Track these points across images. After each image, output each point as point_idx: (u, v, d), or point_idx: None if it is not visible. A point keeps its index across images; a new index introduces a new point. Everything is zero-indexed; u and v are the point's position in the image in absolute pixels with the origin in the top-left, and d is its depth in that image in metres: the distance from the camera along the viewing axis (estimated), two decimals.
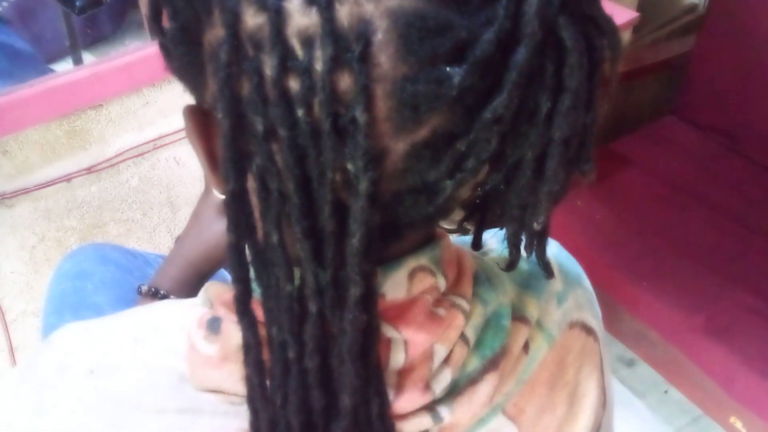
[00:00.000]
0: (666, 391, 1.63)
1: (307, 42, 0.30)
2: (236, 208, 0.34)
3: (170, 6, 0.34)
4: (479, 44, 0.30)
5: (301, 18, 0.30)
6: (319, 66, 0.30)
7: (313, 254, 0.33)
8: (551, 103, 0.33)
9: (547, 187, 0.36)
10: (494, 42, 0.30)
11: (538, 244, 0.41)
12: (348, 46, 0.30)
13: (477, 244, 0.48)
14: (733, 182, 1.63)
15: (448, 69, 0.31)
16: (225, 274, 0.88)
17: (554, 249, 0.54)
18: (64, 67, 1.49)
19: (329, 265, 0.34)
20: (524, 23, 0.31)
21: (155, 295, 0.69)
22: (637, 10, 1.79)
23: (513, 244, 0.41)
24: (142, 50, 1.13)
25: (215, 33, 0.32)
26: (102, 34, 1.64)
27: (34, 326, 1.23)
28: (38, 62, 1.52)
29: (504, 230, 0.43)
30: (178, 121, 1.23)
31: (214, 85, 0.33)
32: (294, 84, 0.30)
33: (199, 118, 0.37)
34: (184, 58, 0.35)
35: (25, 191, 1.11)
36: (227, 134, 0.32)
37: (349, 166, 0.32)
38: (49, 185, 1.13)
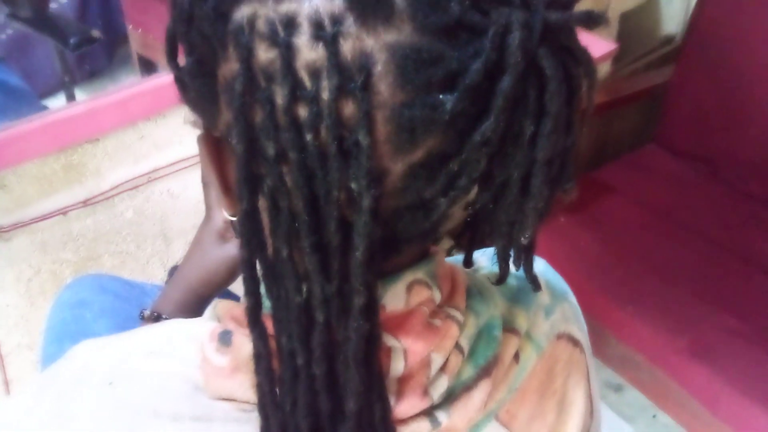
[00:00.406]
0: (654, 416, 1.65)
1: (315, 74, 0.33)
2: (249, 226, 0.37)
3: (187, 42, 0.38)
4: (469, 74, 0.34)
5: (308, 52, 0.33)
6: (325, 95, 0.33)
7: (320, 267, 0.36)
8: (534, 126, 0.37)
9: (532, 204, 0.39)
10: (482, 71, 0.34)
11: (525, 258, 0.44)
12: (351, 77, 0.33)
13: (468, 262, 0.51)
14: (713, 208, 1.68)
15: (441, 96, 0.34)
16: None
17: (541, 266, 0.57)
18: (56, 102, 1.51)
19: (335, 277, 0.37)
20: (508, 54, 0.34)
21: (157, 319, 0.72)
22: (617, 40, 1.85)
23: (502, 258, 0.44)
24: (137, 85, 1.16)
25: (230, 67, 0.35)
26: (92, 70, 1.67)
27: (30, 360, 1.24)
28: (32, 98, 1.55)
29: (493, 249, 0.46)
30: (172, 155, 1.26)
31: (229, 114, 0.36)
32: (303, 111, 0.34)
33: (212, 145, 0.40)
34: (200, 90, 0.38)
35: (22, 225, 1.12)
36: (241, 158, 0.35)
37: (353, 185, 0.35)
38: (46, 218, 1.15)
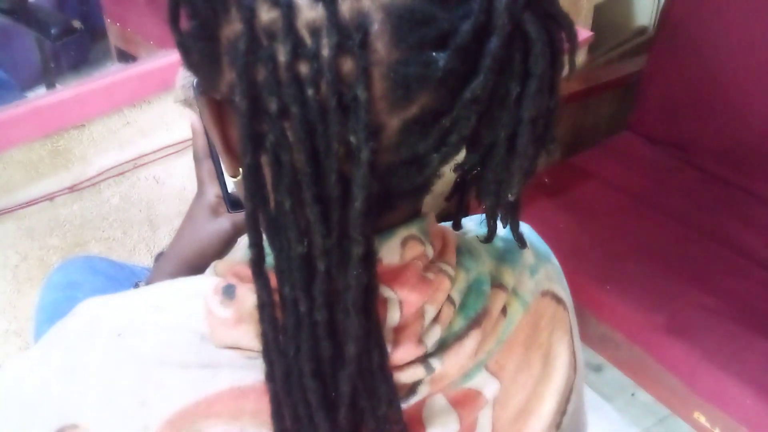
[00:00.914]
0: (633, 394, 1.70)
1: (315, 32, 0.35)
2: (252, 181, 0.39)
3: (190, 6, 0.40)
4: (459, 34, 0.36)
5: (309, 12, 0.35)
6: (325, 52, 0.35)
7: (320, 219, 0.38)
8: (520, 87, 0.39)
9: (518, 162, 0.42)
10: (471, 32, 0.36)
11: (512, 216, 0.47)
12: (349, 35, 0.35)
13: (457, 225, 0.54)
14: (686, 191, 1.72)
15: (433, 54, 0.36)
16: None
17: (526, 230, 0.60)
18: (37, 95, 1.51)
19: (334, 228, 0.39)
20: (495, 17, 0.37)
21: None
22: (591, 31, 1.89)
23: (490, 216, 0.47)
24: (122, 71, 1.17)
25: (232, 28, 0.37)
26: (71, 63, 1.67)
27: (17, 345, 1.25)
28: (14, 90, 1.54)
29: (480, 216, 0.49)
30: (157, 141, 1.27)
31: (231, 74, 0.38)
32: (304, 68, 0.36)
33: (214, 107, 0.42)
34: (202, 52, 0.40)
35: (8, 210, 1.13)
36: (244, 114, 0.37)
37: (352, 139, 0.37)
38: (32, 204, 1.15)
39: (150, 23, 1.59)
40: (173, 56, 1.04)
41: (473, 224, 0.59)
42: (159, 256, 1.39)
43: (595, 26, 1.95)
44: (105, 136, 1.20)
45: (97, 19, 1.68)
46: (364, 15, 0.35)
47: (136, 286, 0.74)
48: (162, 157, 1.28)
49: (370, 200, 0.38)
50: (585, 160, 1.82)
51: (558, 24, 0.40)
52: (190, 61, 0.42)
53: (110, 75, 1.15)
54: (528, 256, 0.55)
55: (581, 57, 1.89)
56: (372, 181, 0.38)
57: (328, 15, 0.35)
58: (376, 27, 0.35)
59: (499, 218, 0.47)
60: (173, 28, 0.42)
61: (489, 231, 0.49)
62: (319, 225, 0.39)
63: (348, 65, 0.36)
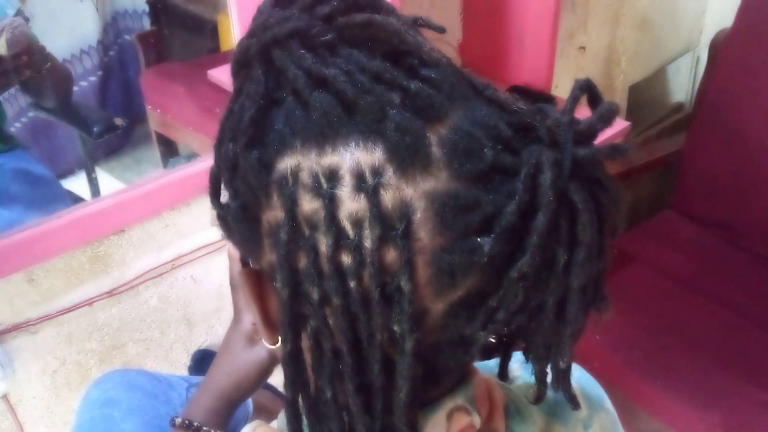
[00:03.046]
0: None
1: (357, 223, 0.34)
2: (292, 367, 0.37)
3: (231, 188, 0.39)
4: (503, 216, 0.35)
5: (351, 203, 0.34)
6: (368, 243, 0.34)
7: (363, 408, 0.37)
8: (567, 255, 0.38)
9: (569, 331, 0.40)
10: (516, 213, 0.35)
11: (563, 379, 0.44)
12: (392, 226, 0.34)
13: (504, 375, 0.51)
14: (734, 274, 1.66)
15: (478, 239, 0.35)
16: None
17: (576, 374, 0.57)
18: (77, 182, 1.52)
19: (378, 417, 0.37)
20: (540, 194, 0.35)
21: (189, 427, 0.71)
22: (627, 111, 1.88)
23: (540, 380, 0.44)
24: (163, 177, 1.19)
25: (274, 214, 0.37)
26: (112, 148, 1.70)
27: None
28: (56, 186, 1.57)
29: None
30: (195, 241, 1.28)
31: (273, 257, 0.37)
32: (346, 259, 0.35)
33: (255, 281, 0.41)
34: (243, 232, 0.39)
35: (49, 317, 1.13)
36: (286, 302, 0.36)
37: (396, 328, 0.35)
38: (72, 310, 1.16)
39: (188, 110, 1.63)
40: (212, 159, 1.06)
41: (520, 367, 0.56)
42: (196, 355, 1.37)
43: (631, 106, 1.94)
44: (144, 240, 1.20)
45: (137, 106, 1.73)
46: (406, 204, 0.34)
47: (173, 423, 0.72)
48: (199, 257, 1.29)
49: (415, 388, 0.36)
50: (626, 241, 1.78)
51: (604, 188, 0.38)
52: (230, 236, 0.42)
53: (151, 181, 1.17)
54: (581, 407, 0.52)
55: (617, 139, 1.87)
56: (417, 369, 0.36)
57: (370, 207, 0.34)
58: (419, 215, 0.34)
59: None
60: (213, 203, 0.42)
61: (538, 394, 0.46)
62: (361, 415, 0.37)
63: (391, 255, 0.34)
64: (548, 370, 0.45)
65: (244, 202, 0.39)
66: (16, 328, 1.10)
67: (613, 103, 0.40)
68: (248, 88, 0.38)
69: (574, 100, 0.40)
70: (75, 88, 1.64)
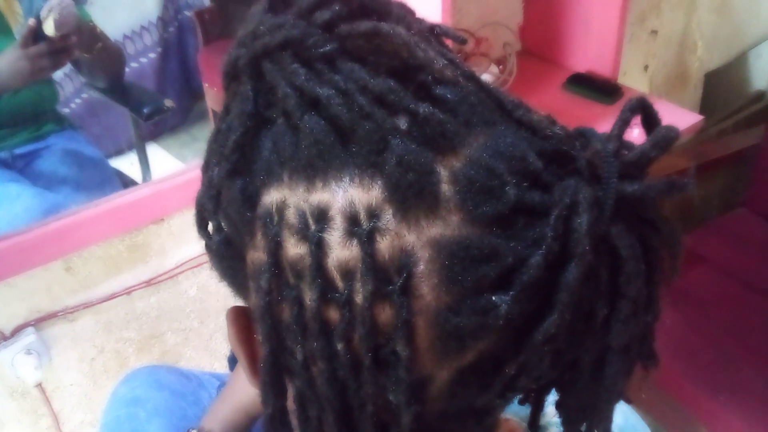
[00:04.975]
0: None
1: (348, 275, 0.29)
2: (275, 431, 0.32)
3: (215, 222, 0.34)
4: (526, 268, 0.29)
5: (341, 251, 0.29)
6: (359, 299, 0.29)
7: None
8: (608, 309, 0.31)
9: (607, 396, 0.33)
10: (542, 265, 0.29)
11: None
12: (389, 279, 0.28)
13: (535, 426, 0.45)
14: None
15: (494, 298, 0.29)
16: None
17: (619, 421, 0.50)
18: (129, 162, 1.52)
19: None
20: (574, 241, 0.29)
21: None
22: (702, 101, 1.75)
23: None
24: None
25: (258, 255, 0.31)
26: (169, 125, 1.70)
27: None
28: (106, 168, 1.57)
29: None
30: None
31: (255, 306, 0.32)
32: (334, 315, 0.29)
33: (243, 322, 0.37)
34: (228, 269, 0.34)
35: (87, 305, 1.13)
36: (267, 360, 0.31)
37: (391, 398, 0.30)
38: (110, 299, 1.14)
39: None
40: None
41: (554, 413, 0.50)
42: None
43: (706, 95, 1.81)
44: (183, 230, 1.18)
45: (195, 84, 1.72)
46: (407, 253, 0.28)
47: None
48: None
49: None
50: (694, 241, 1.66)
51: (655, 229, 0.32)
52: (216, 269, 0.37)
53: (189, 170, 1.14)
54: None
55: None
56: None
57: (363, 255, 0.28)
58: (421, 267, 0.28)
59: None
60: (200, 233, 0.37)
61: None
62: None
63: (386, 314, 0.29)
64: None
65: (227, 236, 0.33)
66: (54, 315, 1.09)
67: (673, 128, 0.32)
68: (236, 105, 0.32)
69: (623, 123, 0.33)
70: (134, 65, 1.64)
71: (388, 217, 0.28)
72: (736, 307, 1.49)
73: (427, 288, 0.28)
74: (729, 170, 1.80)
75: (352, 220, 0.28)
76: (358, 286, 0.28)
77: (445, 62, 0.31)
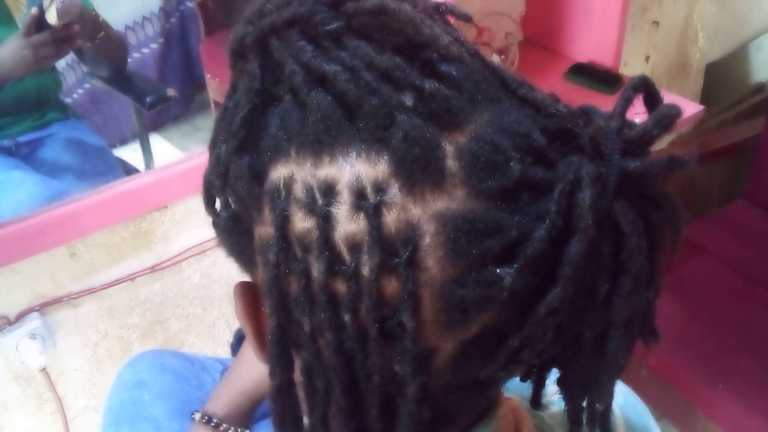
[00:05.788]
0: None
1: (355, 248, 0.29)
2: (282, 403, 0.33)
3: (222, 198, 0.35)
4: (530, 242, 0.29)
5: (348, 224, 0.29)
6: (366, 271, 0.29)
7: None
8: (610, 284, 0.32)
9: (608, 371, 0.34)
10: (546, 239, 0.29)
11: (601, 422, 0.38)
12: (395, 252, 0.29)
13: (537, 403, 0.46)
14: None
15: (498, 271, 0.29)
16: None
17: (619, 399, 0.51)
18: (131, 151, 1.52)
19: None
20: (577, 216, 0.29)
21: (209, 422, 0.69)
22: (703, 92, 1.75)
23: (573, 420, 0.39)
24: (206, 153, 1.16)
25: (265, 229, 0.32)
26: (171, 116, 1.70)
27: (95, 422, 1.24)
28: (109, 156, 1.58)
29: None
30: None
31: (263, 280, 0.32)
32: (341, 287, 0.30)
33: (249, 297, 0.37)
34: (235, 245, 0.35)
35: (91, 291, 1.13)
36: (274, 332, 0.32)
37: (397, 368, 0.30)
38: (114, 285, 1.15)
39: None
40: None
41: (556, 390, 0.50)
42: (239, 332, 1.36)
43: (707, 86, 1.81)
44: (187, 216, 1.18)
45: (197, 74, 1.72)
46: (413, 227, 0.29)
47: (193, 417, 0.70)
48: None
49: None
50: (694, 231, 1.67)
51: (657, 206, 0.32)
52: (224, 246, 0.37)
53: (193, 158, 1.15)
54: None
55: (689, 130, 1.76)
56: (421, 415, 0.31)
57: (370, 229, 0.29)
58: (427, 240, 0.29)
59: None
60: (207, 210, 0.37)
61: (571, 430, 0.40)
62: None
63: (392, 286, 0.29)
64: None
65: (235, 212, 0.34)
66: (58, 301, 1.10)
67: (674, 106, 0.33)
68: (243, 83, 0.33)
69: (625, 101, 0.33)
70: (136, 55, 1.64)
71: (394, 191, 0.29)
72: (736, 297, 1.50)
73: (432, 261, 0.29)
74: (729, 161, 1.81)
75: (359, 194, 0.29)
76: (364, 258, 0.29)
77: (451, 39, 0.31)
